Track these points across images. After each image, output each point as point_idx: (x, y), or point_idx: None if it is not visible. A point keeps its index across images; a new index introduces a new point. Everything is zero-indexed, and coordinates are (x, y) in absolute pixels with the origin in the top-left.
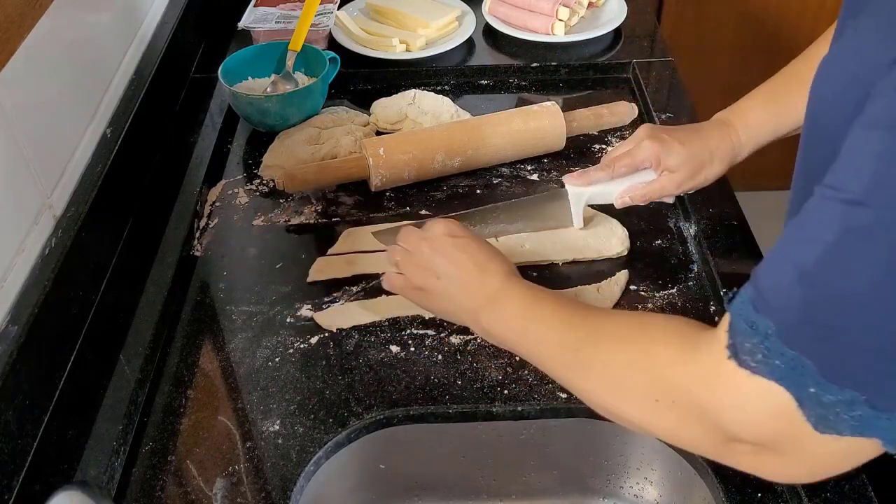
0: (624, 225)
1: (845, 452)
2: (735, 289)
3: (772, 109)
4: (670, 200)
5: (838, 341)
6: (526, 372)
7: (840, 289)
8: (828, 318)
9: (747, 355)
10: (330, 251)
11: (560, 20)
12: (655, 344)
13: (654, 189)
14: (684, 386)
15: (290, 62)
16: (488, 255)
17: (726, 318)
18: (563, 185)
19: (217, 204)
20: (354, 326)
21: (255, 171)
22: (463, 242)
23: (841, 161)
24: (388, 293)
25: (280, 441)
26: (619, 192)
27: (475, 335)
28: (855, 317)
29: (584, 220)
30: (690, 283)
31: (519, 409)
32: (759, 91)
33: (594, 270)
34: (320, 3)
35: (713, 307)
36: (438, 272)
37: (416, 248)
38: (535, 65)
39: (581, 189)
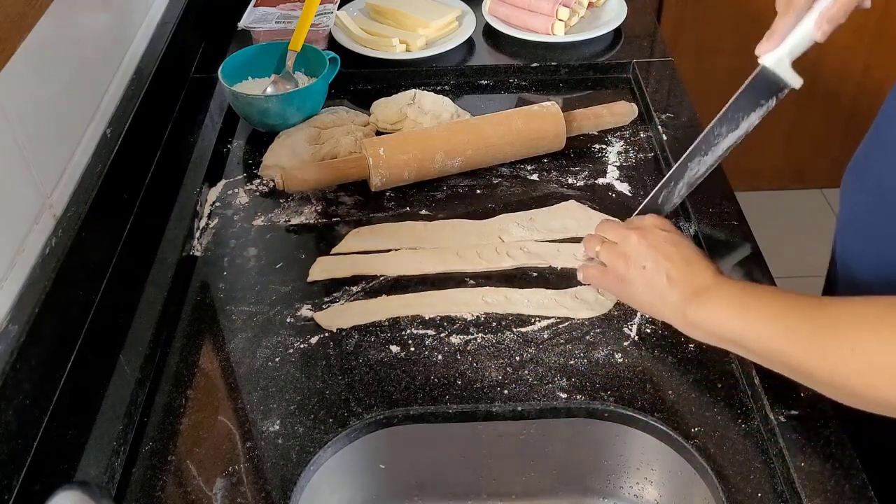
0: None
1: None
2: None
3: None
4: (867, 4)
5: None
6: (526, 372)
7: None
8: None
9: None
10: (334, 250)
11: (560, 20)
12: None
13: None
14: None
15: (290, 62)
16: (697, 252)
17: None
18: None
19: (217, 204)
20: (354, 326)
21: (255, 171)
22: (673, 237)
23: None
24: (389, 293)
25: (280, 441)
26: (813, 24)
27: (475, 335)
28: None
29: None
30: None
31: (519, 409)
32: None
33: None
34: (320, 3)
35: None
36: (645, 263)
37: (624, 238)
38: (535, 65)
39: (778, 52)
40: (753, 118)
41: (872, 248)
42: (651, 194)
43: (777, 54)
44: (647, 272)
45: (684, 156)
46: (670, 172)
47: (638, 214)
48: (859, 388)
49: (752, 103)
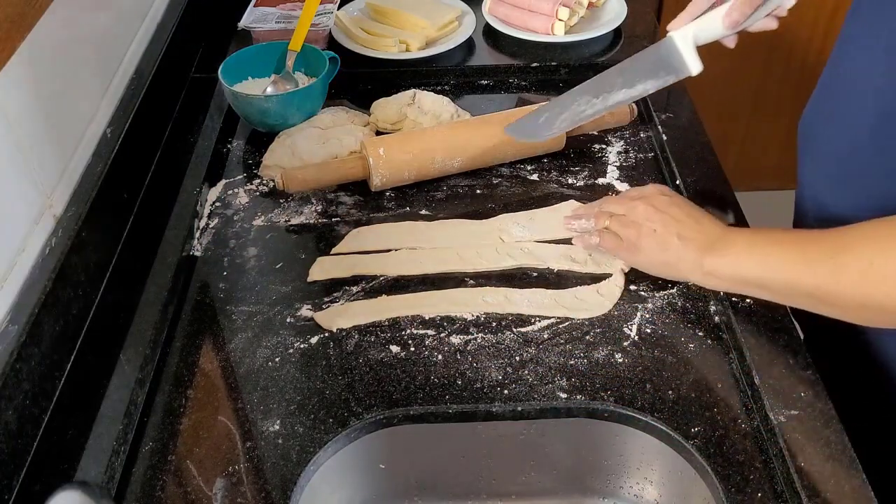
0: None
1: None
2: None
3: None
4: (785, 9)
5: None
6: (526, 372)
7: None
8: None
9: None
10: (334, 250)
11: (560, 20)
12: None
13: None
14: None
15: (290, 62)
16: (701, 210)
17: None
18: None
19: (217, 204)
20: (354, 326)
21: (255, 171)
22: (676, 199)
23: None
24: (389, 293)
25: (280, 441)
26: (725, 12)
27: (475, 335)
28: None
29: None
30: (690, 283)
31: (519, 409)
32: None
33: (593, 274)
34: (320, 3)
35: (713, 306)
36: (655, 226)
37: (630, 207)
38: (535, 65)
39: (685, 29)
40: (649, 85)
41: (846, 194)
42: (533, 110)
43: (683, 32)
44: (659, 235)
45: (577, 87)
46: (558, 98)
47: (513, 126)
48: (881, 300)
49: (652, 69)
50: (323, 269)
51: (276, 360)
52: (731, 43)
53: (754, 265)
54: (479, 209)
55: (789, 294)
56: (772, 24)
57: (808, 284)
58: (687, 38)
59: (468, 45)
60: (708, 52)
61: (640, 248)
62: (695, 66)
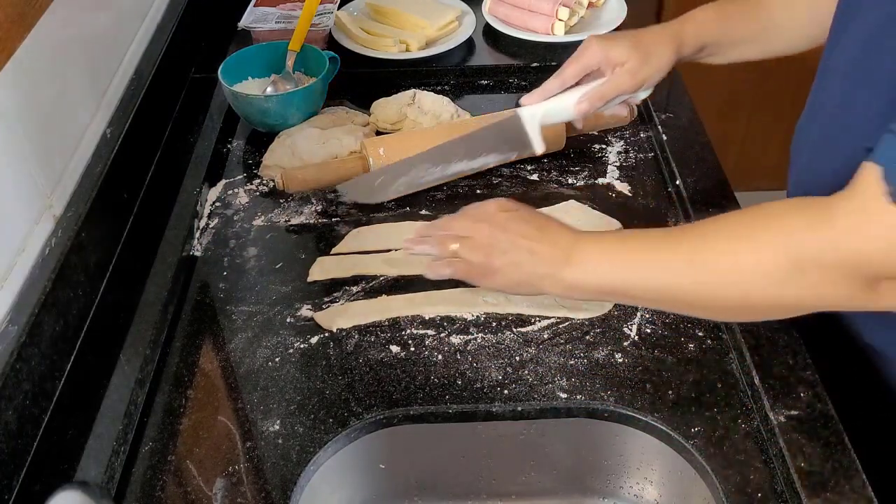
0: (623, 224)
1: None
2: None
3: (718, 14)
4: (624, 112)
5: None
6: (526, 372)
7: None
8: None
9: None
10: (334, 250)
11: (560, 20)
12: (783, 218)
13: (608, 86)
14: (827, 245)
15: (290, 62)
16: (546, 218)
17: (871, 173)
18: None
19: (217, 204)
20: (354, 326)
21: (255, 171)
22: (519, 214)
23: None
24: (389, 293)
25: (280, 441)
26: (575, 99)
27: (475, 335)
28: None
29: (562, 212)
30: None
31: (519, 409)
32: (710, 4)
33: None
34: (320, 3)
35: None
36: (504, 247)
37: (475, 230)
38: (535, 65)
39: (534, 108)
40: (490, 159)
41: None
42: (370, 174)
43: (532, 110)
44: (510, 255)
45: (416, 155)
46: (396, 163)
47: (348, 185)
48: (741, 296)
49: (495, 142)
50: (323, 269)
51: (276, 360)
52: (578, 124)
53: (613, 273)
54: None
55: (655, 299)
56: (622, 112)
57: (671, 288)
58: (535, 117)
59: (468, 45)
60: None
61: (495, 271)
62: (538, 146)
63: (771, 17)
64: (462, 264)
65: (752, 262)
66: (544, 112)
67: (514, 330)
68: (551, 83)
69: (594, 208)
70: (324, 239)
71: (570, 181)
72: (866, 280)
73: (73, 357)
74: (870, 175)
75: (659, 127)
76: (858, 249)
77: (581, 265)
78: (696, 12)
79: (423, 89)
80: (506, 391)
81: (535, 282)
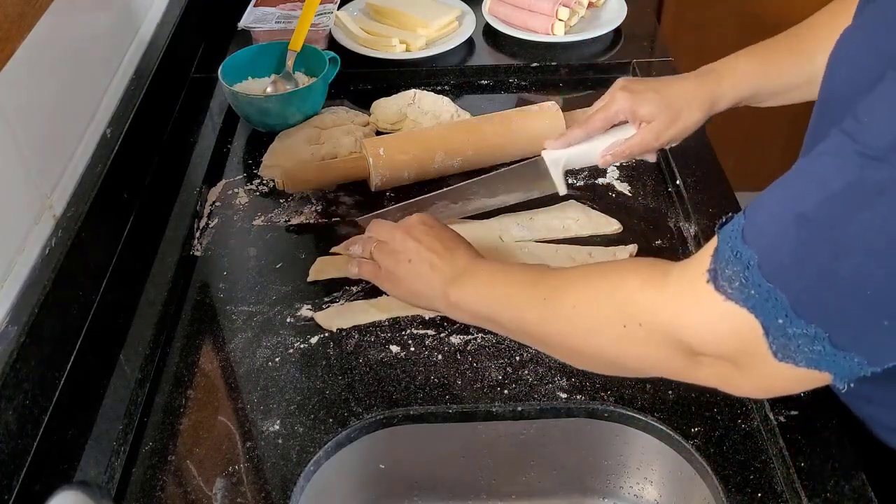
0: (623, 224)
1: (797, 378)
2: (730, 215)
3: (759, 63)
4: (652, 158)
5: (819, 282)
6: (526, 372)
7: (836, 236)
8: (815, 260)
9: (726, 281)
10: (334, 250)
11: (560, 20)
12: (624, 274)
13: (633, 143)
14: (652, 307)
15: (290, 62)
16: (458, 240)
17: (712, 244)
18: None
19: (217, 204)
20: (354, 326)
21: (255, 171)
22: (434, 230)
23: (864, 111)
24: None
25: (280, 441)
26: (601, 150)
27: (475, 335)
28: (845, 264)
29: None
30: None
31: (519, 409)
32: (751, 48)
33: None
34: (320, 3)
35: None
36: (410, 256)
37: (390, 236)
38: (535, 65)
39: (559, 153)
40: (510, 198)
41: None
42: (389, 209)
43: (556, 155)
44: (413, 264)
45: (437, 192)
46: (415, 199)
47: (365, 219)
48: (582, 345)
49: (516, 183)
50: (323, 269)
51: (276, 360)
52: (602, 165)
53: (485, 302)
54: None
55: (515, 333)
56: (649, 160)
57: (528, 325)
58: (559, 163)
59: (468, 45)
60: (707, 50)
61: (399, 279)
62: (562, 189)
63: (814, 65)
64: (371, 266)
65: (590, 313)
66: (567, 158)
67: None
68: (576, 133)
69: (594, 208)
70: (324, 239)
71: (570, 181)
72: (686, 350)
73: (73, 357)
74: (711, 246)
75: None
76: (673, 320)
77: (463, 288)
78: (738, 61)
79: (423, 89)
80: (506, 391)
81: (429, 294)
